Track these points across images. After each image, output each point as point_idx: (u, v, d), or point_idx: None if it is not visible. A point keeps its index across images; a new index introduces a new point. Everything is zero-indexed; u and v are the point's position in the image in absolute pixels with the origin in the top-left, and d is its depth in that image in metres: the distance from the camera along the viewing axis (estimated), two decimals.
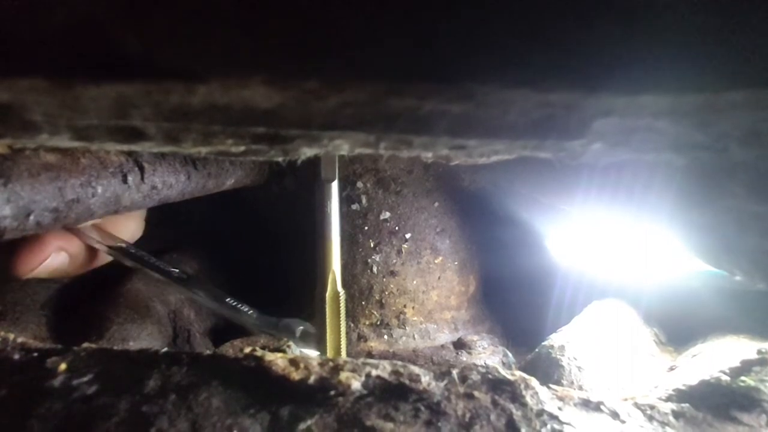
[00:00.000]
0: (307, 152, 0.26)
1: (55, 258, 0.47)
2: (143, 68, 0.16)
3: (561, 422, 0.27)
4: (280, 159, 0.29)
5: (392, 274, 0.62)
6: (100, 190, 0.39)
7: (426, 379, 0.29)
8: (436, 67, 0.16)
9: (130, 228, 0.55)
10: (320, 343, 0.51)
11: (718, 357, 0.46)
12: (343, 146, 0.24)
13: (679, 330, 0.57)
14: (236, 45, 0.15)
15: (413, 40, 0.16)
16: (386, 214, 0.62)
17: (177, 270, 0.53)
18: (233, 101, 0.18)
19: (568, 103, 0.17)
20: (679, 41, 0.15)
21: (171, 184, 0.47)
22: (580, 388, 0.45)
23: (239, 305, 0.53)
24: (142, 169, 0.43)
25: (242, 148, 0.25)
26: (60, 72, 0.16)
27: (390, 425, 0.25)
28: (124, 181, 0.41)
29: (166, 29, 0.15)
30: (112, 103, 0.19)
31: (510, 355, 0.62)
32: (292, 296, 0.66)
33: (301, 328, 0.54)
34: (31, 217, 0.34)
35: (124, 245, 0.52)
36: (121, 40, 0.16)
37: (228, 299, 0.53)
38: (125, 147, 0.25)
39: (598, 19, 0.15)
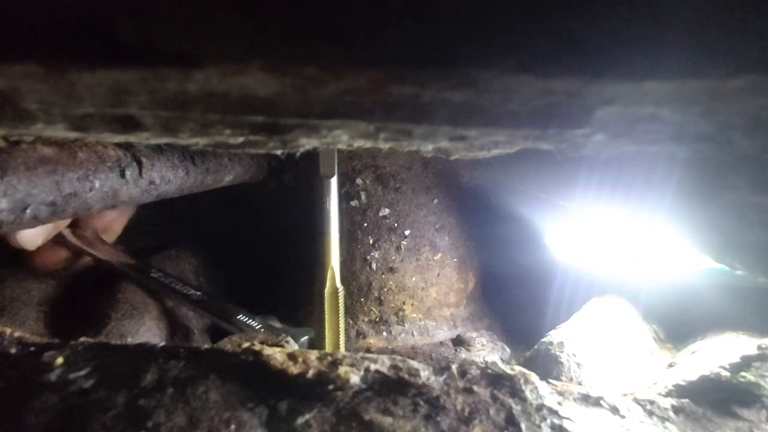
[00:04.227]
0: (306, 144, 0.26)
1: None
2: (139, 54, 0.16)
3: (560, 417, 0.27)
4: (279, 152, 0.29)
5: (391, 270, 0.62)
6: (97, 184, 0.39)
7: (425, 374, 0.28)
8: (437, 53, 0.16)
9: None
10: (319, 340, 0.51)
11: (717, 353, 0.46)
12: (342, 137, 0.24)
13: (678, 327, 0.57)
14: (234, 29, 0.15)
15: (414, 26, 0.15)
16: (385, 211, 0.62)
17: (198, 293, 0.57)
18: (231, 88, 0.18)
19: (570, 90, 0.17)
20: (683, 26, 0.15)
21: (169, 179, 0.47)
22: (580, 384, 0.45)
23: (249, 320, 0.55)
24: (140, 164, 0.43)
25: (240, 139, 0.25)
26: (54, 58, 0.16)
27: (389, 419, 0.25)
28: (122, 175, 0.41)
29: (162, 13, 0.15)
30: (107, 91, 0.18)
31: (508, 350, 0.62)
32: (291, 293, 0.66)
33: (306, 338, 0.55)
34: (28, 211, 0.34)
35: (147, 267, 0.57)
36: (117, 25, 0.15)
37: (240, 316, 0.55)
38: (122, 138, 0.25)
39: (601, 4, 0.15)
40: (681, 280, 0.56)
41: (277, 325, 0.56)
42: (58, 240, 0.58)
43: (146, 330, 0.53)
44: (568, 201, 0.54)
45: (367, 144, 0.27)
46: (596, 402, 0.29)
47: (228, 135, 0.24)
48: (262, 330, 0.54)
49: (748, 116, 0.19)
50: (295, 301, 0.64)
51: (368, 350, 0.60)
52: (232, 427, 0.24)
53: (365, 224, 0.62)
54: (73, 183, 0.37)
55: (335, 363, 0.28)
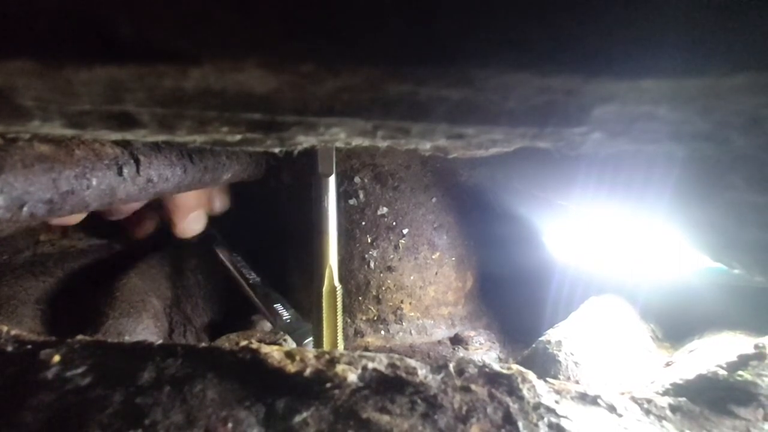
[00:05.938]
0: (304, 141, 0.26)
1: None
2: (136, 51, 0.16)
3: (558, 415, 0.27)
4: (276, 149, 0.29)
5: (389, 269, 0.62)
6: (95, 182, 0.38)
7: (423, 372, 0.28)
8: (435, 51, 0.16)
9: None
10: (317, 338, 0.51)
11: (714, 352, 0.46)
12: (340, 135, 0.24)
13: (676, 326, 0.57)
14: (231, 26, 0.15)
15: (412, 24, 0.15)
16: (383, 210, 0.62)
17: (257, 278, 0.64)
18: (228, 85, 0.18)
19: (568, 88, 0.17)
20: (681, 24, 0.15)
21: (167, 177, 0.46)
22: (577, 383, 0.45)
23: (282, 311, 0.60)
24: (137, 162, 0.42)
25: (238, 137, 0.25)
26: (51, 54, 0.16)
27: (386, 418, 0.25)
28: (120, 173, 0.41)
29: (160, 10, 0.15)
30: (104, 88, 0.18)
31: (503, 351, 0.62)
32: (290, 291, 0.66)
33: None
34: (25, 209, 0.34)
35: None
36: (114, 22, 0.15)
37: (276, 305, 0.60)
38: (119, 135, 0.25)
39: (599, 2, 0.15)
40: (679, 280, 0.56)
41: (303, 321, 0.59)
42: (151, 210, 0.62)
43: (144, 328, 0.53)
44: (566, 200, 0.54)
45: (365, 142, 0.27)
46: (593, 401, 0.29)
47: (225, 132, 0.23)
48: (288, 321, 0.58)
49: (745, 115, 0.19)
50: (293, 300, 0.64)
51: (366, 349, 0.60)
52: (230, 425, 0.24)
53: (363, 223, 0.62)
54: (71, 181, 0.36)
55: (333, 361, 0.28)
